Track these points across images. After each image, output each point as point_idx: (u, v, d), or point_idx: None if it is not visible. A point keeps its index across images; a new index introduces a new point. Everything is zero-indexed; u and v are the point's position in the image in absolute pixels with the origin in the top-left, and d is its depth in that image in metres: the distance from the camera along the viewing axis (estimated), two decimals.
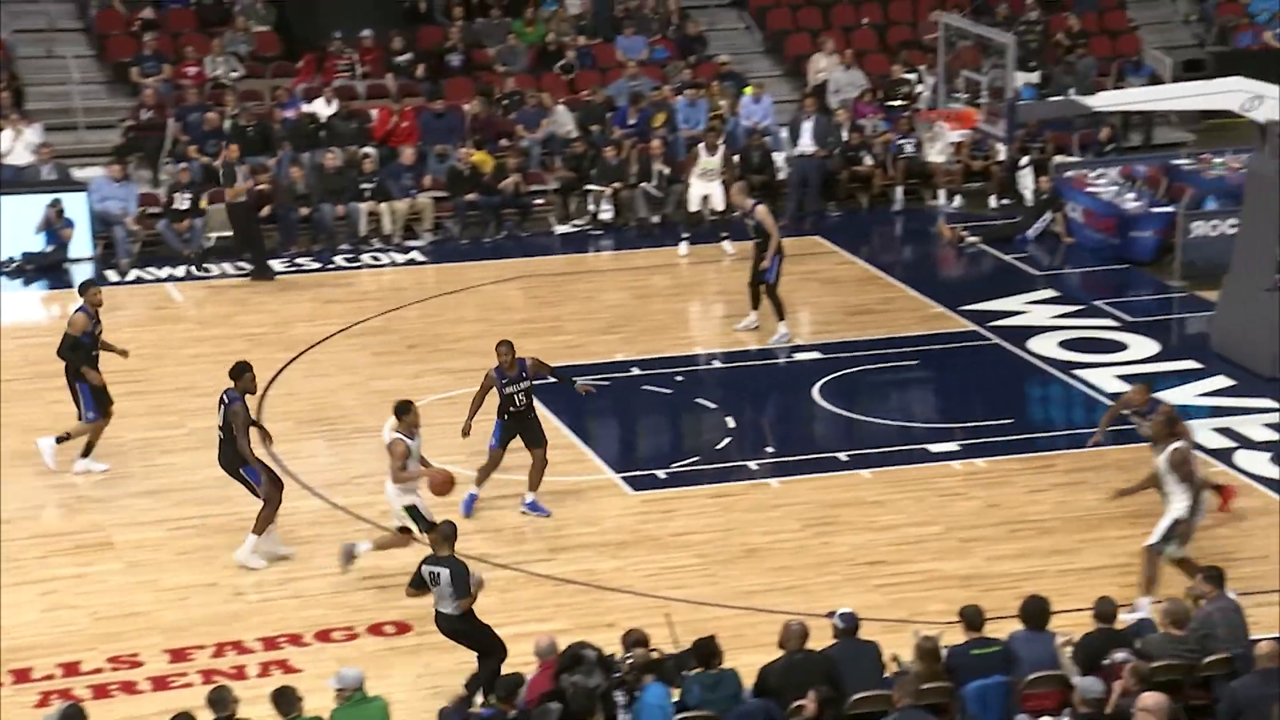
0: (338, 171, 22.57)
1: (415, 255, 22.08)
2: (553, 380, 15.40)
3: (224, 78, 24.29)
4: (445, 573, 11.73)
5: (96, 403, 15.66)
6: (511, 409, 14.77)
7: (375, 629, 13.15)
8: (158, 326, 19.70)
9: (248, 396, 14.16)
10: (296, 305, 20.38)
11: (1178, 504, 12.96)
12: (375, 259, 22.04)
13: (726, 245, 21.38)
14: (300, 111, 23.75)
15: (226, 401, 13.99)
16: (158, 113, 23.39)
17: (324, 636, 13.04)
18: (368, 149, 23.18)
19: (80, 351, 15.58)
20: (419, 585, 11.91)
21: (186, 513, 14.99)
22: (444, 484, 13.55)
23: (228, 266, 21.63)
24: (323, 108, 23.85)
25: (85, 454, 15.79)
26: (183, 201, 21.89)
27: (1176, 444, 13.06)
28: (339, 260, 22.01)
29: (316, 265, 21.77)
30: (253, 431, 14.21)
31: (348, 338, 19.31)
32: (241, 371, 14.12)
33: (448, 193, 22.62)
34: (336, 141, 23.31)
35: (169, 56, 24.50)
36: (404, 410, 13.66)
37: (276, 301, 20.50)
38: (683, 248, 21.78)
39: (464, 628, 11.90)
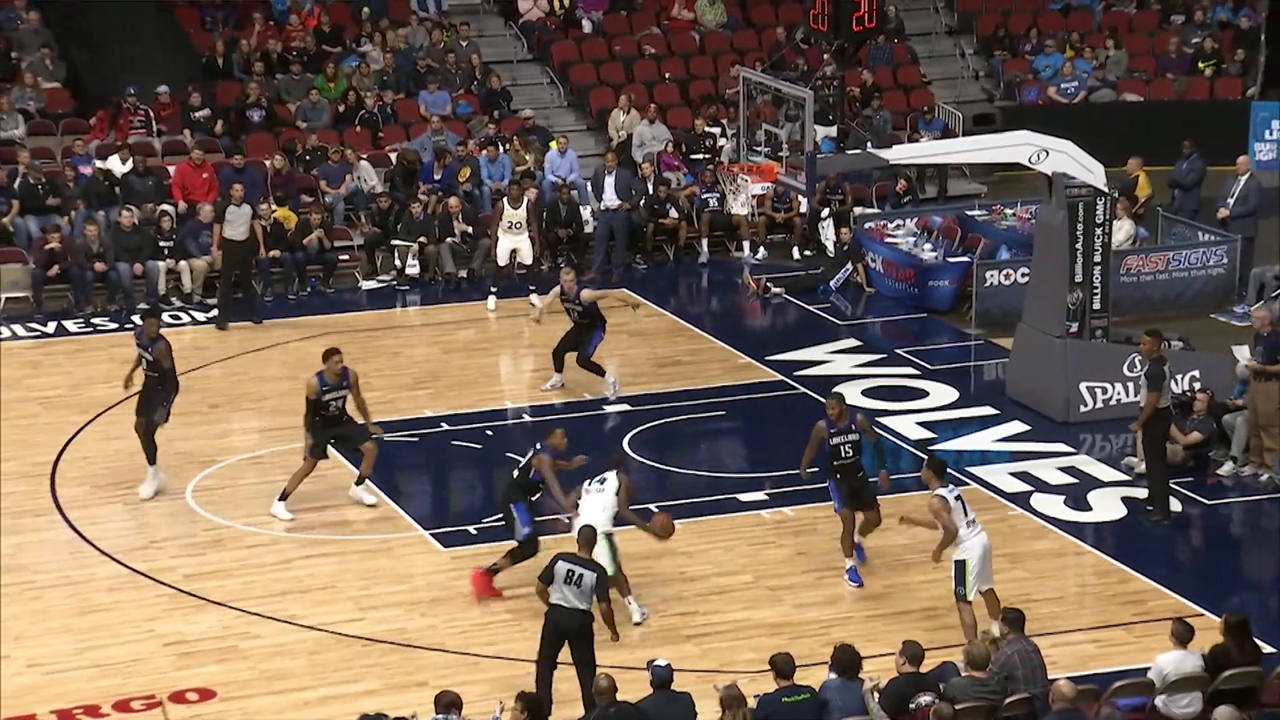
0: (134, 229, 22.09)
1: (216, 314, 21.66)
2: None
3: (13, 135, 23.66)
4: (589, 575, 12.18)
5: None
6: (837, 462, 14.39)
7: (177, 696, 12.79)
8: None
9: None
10: (93, 366, 19.84)
11: (959, 547, 13.11)
12: (175, 318, 21.58)
13: (534, 299, 21.39)
14: (95, 168, 23.21)
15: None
16: None
17: (123, 707, 12.65)
18: (165, 206, 22.73)
19: None
20: (550, 580, 12.26)
21: None
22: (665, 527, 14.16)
23: (19, 328, 21.00)
24: (118, 165, 23.35)
25: None
26: None
27: (937, 491, 13.22)
28: (136, 320, 21.47)
29: (113, 325, 21.24)
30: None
31: None
32: (329, 354, 15.55)
33: (264, 249, 22.23)
34: (132, 199, 22.82)
35: None
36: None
37: (71, 363, 19.94)
38: (490, 302, 21.73)
39: (589, 625, 12.23)
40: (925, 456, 14.34)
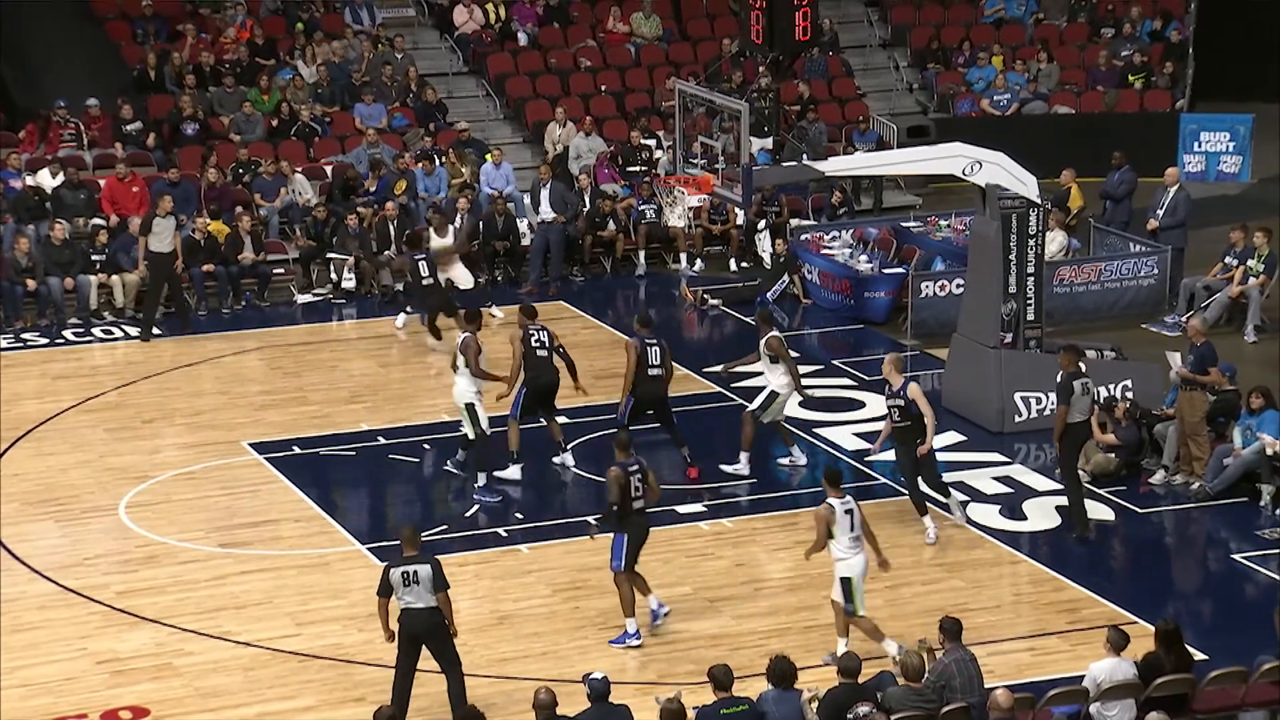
0: (65, 243, 21.86)
1: (140, 327, 21.45)
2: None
3: None
4: (424, 569, 12.01)
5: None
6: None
7: (110, 715, 12.65)
8: None
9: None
10: (23, 382, 19.62)
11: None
12: (107, 332, 21.38)
13: (495, 310, 21.30)
14: (24, 183, 22.96)
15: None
16: None
17: None
18: (97, 220, 22.51)
19: None
20: (388, 592, 12.10)
21: None
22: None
23: None
24: (48, 179, 23.11)
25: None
26: None
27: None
28: (68, 335, 21.28)
29: (44, 340, 21.01)
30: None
31: (79, 414, 18.66)
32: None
33: (183, 263, 22.05)
34: (64, 213, 22.59)
35: None
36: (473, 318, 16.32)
37: (2, 379, 19.70)
38: (399, 319, 21.37)
39: (440, 623, 12.09)
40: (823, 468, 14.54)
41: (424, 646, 12.26)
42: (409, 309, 21.47)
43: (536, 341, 16.78)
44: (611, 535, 13.66)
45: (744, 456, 16.91)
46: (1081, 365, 15.78)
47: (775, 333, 16.84)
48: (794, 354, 17.20)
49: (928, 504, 15.64)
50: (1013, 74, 28.17)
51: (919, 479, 15.63)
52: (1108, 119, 27.51)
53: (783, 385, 16.78)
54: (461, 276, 21.45)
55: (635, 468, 13.71)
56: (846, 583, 13.18)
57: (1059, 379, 15.68)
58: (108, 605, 14.22)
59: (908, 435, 15.54)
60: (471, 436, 16.48)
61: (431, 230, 21.54)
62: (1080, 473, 16.52)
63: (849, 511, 13.23)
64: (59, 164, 23.26)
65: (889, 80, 29.05)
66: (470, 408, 16.40)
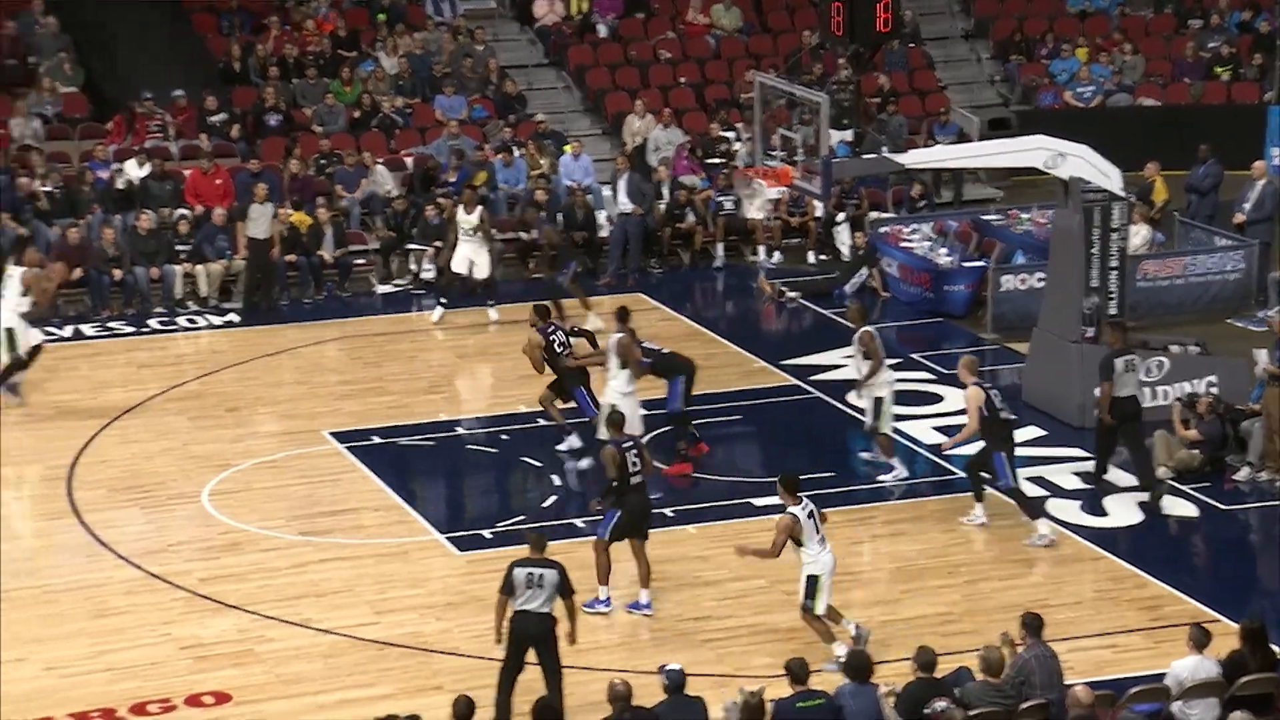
0: (151, 233, 22.15)
1: (233, 317, 21.72)
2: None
3: (30, 140, 23.74)
4: (550, 573, 11.97)
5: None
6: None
7: (193, 700, 12.82)
8: None
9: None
10: (109, 370, 19.90)
11: (813, 562, 13.14)
12: (191, 322, 21.63)
13: (492, 312, 21.18)
14: (111, 173, 23.28)
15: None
16: None
17: (140, 710, 12.68)
18: (182, 210, 22.79)
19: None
20: (510, 591, 12.00)
21: None
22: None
23: (36, 332, 21.02)
24: (134, 169, 23.41)
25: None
26: None
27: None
28: (153, 324, 21.56)
29: (130, 329, 21.30)
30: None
31: (164, 402, 18.90)
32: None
33: (279, 250, 22.20)
34: (149, 203, 22.87)
35: None
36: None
37: (89, 367, 19.99)
38: (436, 313, 21.28)
39: (553, 629, 12.04)
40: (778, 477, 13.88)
41: (531, 650, 12.15)
42: (442, 301, 21.33)
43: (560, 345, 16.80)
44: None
45: (895, 461, 16.69)
46: (1128, 342, 15.95)
47: (868, 328, 16.71)
48: None
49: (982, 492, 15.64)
50: (1097, 66, 27.86)
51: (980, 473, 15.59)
52: (1194, 111, 27.16)
53: (883, 387, 16.55)
54: (484, 264, 21.14)
55: (630, 444, 14.00)
56: (813, 581, 13.08)
57: (1102, 357, 15.82)
58: (191, 591, 14.40)
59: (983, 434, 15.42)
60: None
61: (460, 207, 21.32)
62: (1163, 469, 16.39)
63: (810, 515, 13.14)
64: (145, 155, 23.55)
65: (970, 72, 28.83)
66: (612, 408, 15.63)
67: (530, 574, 12.09)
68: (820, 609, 13.16)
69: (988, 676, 11.32)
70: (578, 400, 16.88)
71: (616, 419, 14.42)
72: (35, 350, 18.57)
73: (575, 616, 12.36)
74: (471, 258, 21.07)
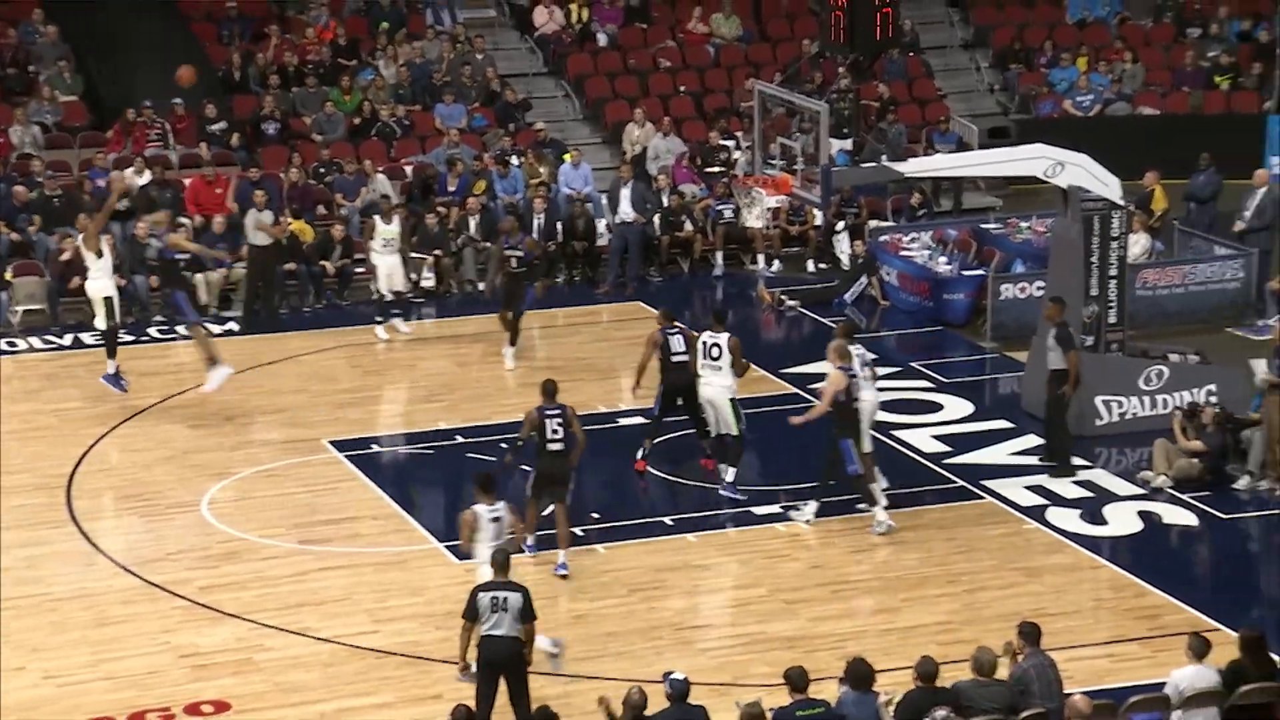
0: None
1: (232, 325, 21.71)
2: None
3: (30, 148, 23.75)
4: (514, 597, 11.82)
5: None
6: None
7: (192, 709, 12.81)
8: None
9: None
10: None
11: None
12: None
13: (401, 325, 21.01)
14: (110, 181, 23.25)
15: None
16: None
17: (139, 719, 12.65)
18: (182, 219, 22.78)
19: None
20: (474, 616, 11.84)
21: None
22: None
23: (36, 341, 21.06)
24: (134, 177, 23.40)
25: None
26: None
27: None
28: (152, 332, 21.56)
29: (130, 338, 21.27)
30: None
31: (163, 411, 18.89)
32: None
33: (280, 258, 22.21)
34: (149, 211, 22.83)
35: None
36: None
37: (88, 375, 19.98)
38: (402, 325, 21.07)
39: (520, 653, 11.85)
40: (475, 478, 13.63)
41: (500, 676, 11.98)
42: (396, 312, 21.06)
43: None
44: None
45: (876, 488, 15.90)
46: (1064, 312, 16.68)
47: (841, 340, 15.99)
48: (872, 356, 16.97)
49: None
50: (1096, 75, 27.89)
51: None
52: (1193, 120, 27.19)
53: (864, 402, 15.92)
54: (399, 276, 20.95)
55: (555, 412, 14.78)
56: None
57: (1055, 331, 16.53)
58: (190, 600, 14.39)
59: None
60: (734, 434, 16.39)
61: (378, 217, 21.14)
62: (1162, 477, 16.41)
63: (496, 519, 13.01)
64: (145, 163, 23.56)
65: (970, 81, 28.86)
66: (734, 403, 16.35)
67: (495, 598, 11.84)
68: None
69: (976, 675, 11.31)
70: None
71: (549, 388, 14.93)
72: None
73: (533, 641, 12.01)
74: (389, 270, 20.95)
